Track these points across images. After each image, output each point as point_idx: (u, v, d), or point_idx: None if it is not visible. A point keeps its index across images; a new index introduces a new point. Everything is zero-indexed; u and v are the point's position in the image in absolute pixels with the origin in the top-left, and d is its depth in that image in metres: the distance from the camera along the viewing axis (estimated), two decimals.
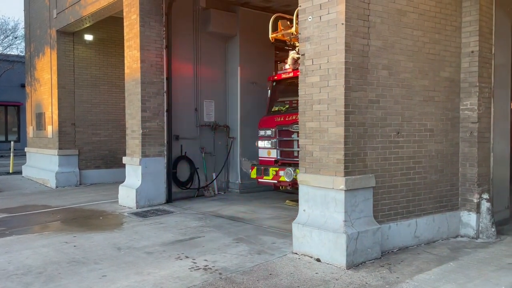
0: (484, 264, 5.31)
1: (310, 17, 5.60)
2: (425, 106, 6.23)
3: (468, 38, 6.60)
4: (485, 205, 6.48)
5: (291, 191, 9.06)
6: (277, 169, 8.64)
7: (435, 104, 6.35)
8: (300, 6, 5.79)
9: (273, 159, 9.10)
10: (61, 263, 5.52)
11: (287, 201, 9.49)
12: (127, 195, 9.32)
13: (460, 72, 6.67)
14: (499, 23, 6.92)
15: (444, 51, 6.46)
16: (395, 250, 5.77)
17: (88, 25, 12.18)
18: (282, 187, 9.21)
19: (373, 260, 5.35)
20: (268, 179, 8.89)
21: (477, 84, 6.54)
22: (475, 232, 6.50)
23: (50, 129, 13.40)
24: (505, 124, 7.35)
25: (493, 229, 6.43)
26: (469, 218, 6.57)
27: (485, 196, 6.53)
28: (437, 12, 6.31)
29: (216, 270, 5.13)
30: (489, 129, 6.80)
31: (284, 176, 8.36)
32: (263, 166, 9.06)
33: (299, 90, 5.83)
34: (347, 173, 5.28)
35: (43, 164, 13.82)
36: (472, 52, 6.56)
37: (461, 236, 6.60)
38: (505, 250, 5.87)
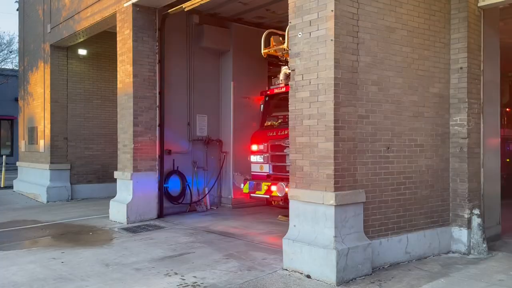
0: (475, 280, 5.28)
1: (300, 33, 5.66)
2: (415, 121, 6.26)
3: (457, 54, 6.68)
4: (476, 220, 6.47)
5: (283, 206, 9.01)
6: (269, 184, 8.61)
7: (424, 119, 6.39)
8: (290, 22, 5.85)
9: (266, 174, 9.08)
10: (48, 279, 5.42)
11: (279, 216, 9.43)
12: (117, 210, 9.23)
13: (449, 88, 6.73)
14: (487, 40, 7.02)
15: (433, 67, 6.52)
16: (386, 266, 5.72)
17: (82, 39, 12.23)
18: (274, 202, 9.15)
19: (363, 277, 5.30)
20: (260, 194, 8.85)
21: (466, 100, 6.59)
22: (467, 248, 6.47)
23: (42, 143, 13.32)
24: (495, 139, 7.39)
25: (485, 245, 6.41)
26: (460, 233, 6.55)
27: (476, 211, 6.52)
28: (426, 29, 6.40)
29: (205, 287, 5.05)
30: (479, 145, 6.83)
31: (276, 191, 8.33)
32: (256, 180, 9.02)
33: (289, 105, 5.86)
34: (337, 188, 5.26)
35: (34, 179, 13.70)
36: (461, 68, 6.64)
37: (453, 252, 6.57)
38: (496, 267, 5.84)
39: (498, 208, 7.44)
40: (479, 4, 6.77)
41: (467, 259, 6.26)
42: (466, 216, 6.54)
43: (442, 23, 6.64)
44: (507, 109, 12.12)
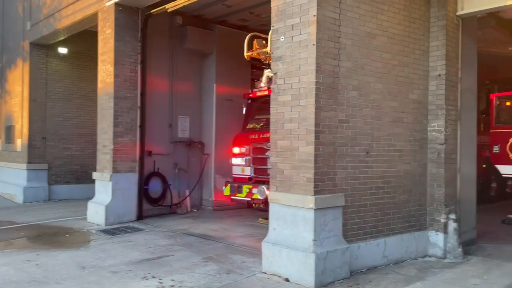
0: (450, 284, 5.37)
1: (283, 37, 5.68)
2: (394, 127, 6.35)
3: (436, 62, 6.80)
4: (452, 225, 6.59)
5: (264, 209, 9.00)
6: (250, 186, 8.59)
7: (403, 125, 6.49)
8: (273, 26, 5.87)
9: (247, 177, 9.06)
10: (21, 282, 5.30)
11: (260, 219, 9.43)
12: (96, 212, 9.08)
13: (428, 94, 6.85)
14: (465, 48, 7.17)
15: (413, 74, 6.63)
16: (364, 270, 5.77)
17: (62, 38, 12.05)
18: (255, 205, 9.15)
19: (342, 280, 5.33)
20: (241, 197, 8.82)
21: (444, 106, 6.72)
22: (443, 252, 6.58)
23: (20, 142, 13.04)
24: (471, 146, 7.54)
25: (460, 249, 6.53)
26: (437, 238, 6.66)
27: (452, 216, 6.64)
28: (405, 36, 6.50)
29: None
30: (455, 151, 6.96)
31: (257, 193, 8.31)
32: (237, 183, 9.00)
33: (271, 109, 5.88)
34: (317, 192, 5.29)
35: (11, 179, 13.38)
36: (439, 75, 6.76)
37: (429, 256, 6.67)
38: (471, 271, 5.95)
39: (473, 213, 7.58)
40: (457, 13, 6.92)
41: (443, 263, 6.37)
42: (442, 220, 6.65)
43: (421, 31, 6.76)
44: (484, 116, 12.40)
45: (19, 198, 12.34)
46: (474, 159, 7.66)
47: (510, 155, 10.64)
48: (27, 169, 12.38)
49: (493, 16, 8.11)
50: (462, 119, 7.11)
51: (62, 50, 12.93)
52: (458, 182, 6.99)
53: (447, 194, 6.73)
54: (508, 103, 11.59)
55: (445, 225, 6.62)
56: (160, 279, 5.38)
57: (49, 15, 11.55)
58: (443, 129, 6.71)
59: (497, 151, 11.01)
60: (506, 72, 13.04)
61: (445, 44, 6.72)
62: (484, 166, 11.62)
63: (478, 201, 7.84)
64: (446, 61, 6.74)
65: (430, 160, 6.82)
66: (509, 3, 6.26)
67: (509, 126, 10.96)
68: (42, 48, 12.71)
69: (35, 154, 12.52)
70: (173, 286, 5.15)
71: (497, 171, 11.28)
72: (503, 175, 11.21)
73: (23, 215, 10.19)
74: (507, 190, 12.56)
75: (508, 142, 10.71)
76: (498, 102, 11.46)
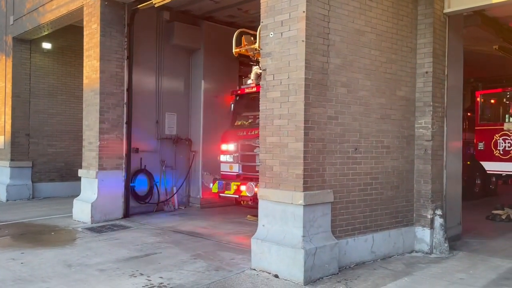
0: (437, 279, 5.43)
1: (272, 33, 5.66)
2: (382, 123, 6.39)
3: (423, 59, 6.86)
4: (438, 221, 6.67)
5: (252, 206, 8.99)
6: (238, 183, 8.57)
7: (391, 121, 6.53)
8: (262, 22, 5.85)
9: (235, 174, 9.04)
10: (6, 281, 5.19)
11: (248, 216, 9.41)
12: (81, 210, 8.96)
13: (415, 91, 6.91)
14: (452, 46, 7.25)
15: (400, 71, 6.68)
16: (352, 266, 5.80)
17: (46, 33, 11.81)
18: (243, 202, 9.13)
19: (330, 276, 5.35)
20: (229, 194, 8.80)
21: (431, 103, 6.78)
22: (429, 247, 6.66)
23: (2, 139, 12.77)
24: (457, 142, 7.64)
25: (446, 245, 6.61)
26: (423, 233, 6.74)
27: (439, 212, 6.72)
28: (393, 33, 6.54)
29: (171, 287, 4.96)
30: (442, 147, 7.04)
31: (246, 190, 8.31)
32: (225, 180, 8.97)
33: (260, 105, 5.85)
34: (306, 188, 5.29)
35: None
36: (427, 72, 6.82)
37: (416, 251, 6.74)
38: (457, 266, 6.03)
39: (459, 209, 7.69)
40: (444, 11, 6.99)
41: (430, 258, 6.44)
42: (429, 216, 6.73)
43: (409, 28, 6.80)
44: (469, 114, 12.59)
45: (2, 196, 12.10)
46: (460, 156, 7.76)
47: (495, 152, 10.83)
48: (10, 167, 12.14)
49: (479, 14, 8.21)
50: (448, 116, 7.19)
51: (46, 45, 12.69)
52: (444, 178, 7.08)
53: (434, 190, 6.81)
54: (492, 101, 11.78)
55: (432, 221, 6.70)
56: (148, 277, 5.33)
57: (33, 10, 11.32)
58: (430, 126, 6.78)
59: (482, 148, 11.19)
60: (491, 70, 13.26)
61: (432, 41, 6.79)
62: (468, 163, 11.80)
63: (463, 197, 7.95)
64: (433, 58, 6.80)
65: (417, 157, 6.89)
66: (495, 1, 6.34)
67: (493, 123, 11.16)
68: (26, 43, 12.46)
69: (18, 151, 12.29)
70: (161, 283, 5.10)
71: (481, 167, 11.47)
72: (488, 171, 11.41)
73: (6, 213, 9.98)
74: (491, 186, 12.79)
75: (492, 139, 10.90)
76: (483, 100, 11.64)
